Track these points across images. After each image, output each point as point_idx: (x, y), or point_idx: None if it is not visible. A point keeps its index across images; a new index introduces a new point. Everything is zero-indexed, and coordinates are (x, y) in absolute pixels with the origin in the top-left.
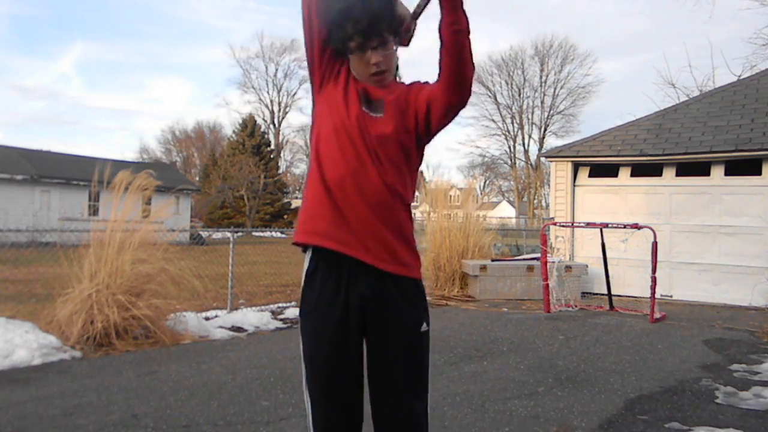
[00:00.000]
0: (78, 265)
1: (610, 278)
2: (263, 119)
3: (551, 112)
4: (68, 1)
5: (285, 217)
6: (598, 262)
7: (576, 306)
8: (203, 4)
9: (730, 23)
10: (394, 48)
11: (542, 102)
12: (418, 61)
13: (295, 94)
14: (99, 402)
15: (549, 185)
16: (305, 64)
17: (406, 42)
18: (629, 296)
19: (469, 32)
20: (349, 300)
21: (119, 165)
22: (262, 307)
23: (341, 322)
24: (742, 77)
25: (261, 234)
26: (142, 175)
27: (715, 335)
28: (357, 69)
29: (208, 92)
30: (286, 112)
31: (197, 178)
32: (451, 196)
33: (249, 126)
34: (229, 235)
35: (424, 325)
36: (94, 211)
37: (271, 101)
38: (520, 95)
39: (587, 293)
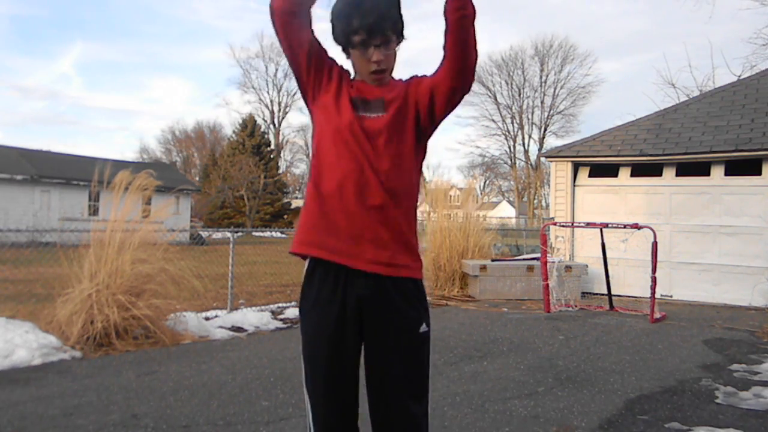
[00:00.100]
0: (78, 265)
1: (610, 278)
2: (263, 119)
3: (551, 112)
4: (68, 1)
5: (285, 217)
6: (598, 262)
7: (576, 306)
8: (203, 4)
9: (730, 23)
10: (396, 49)
11: (542, 102)
12: (418, 60)
13: (295, 94)
14: (99, 402)
15: (549, 185)
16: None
17: None
18: (629, 296)
19: (475, 18)
20: (347, 300)
21: (119, 165)
22: (262, 307)
23: (339, 321)
24: (742, 77)
25: (261, 234)
26: (142, 175)
27: (715, 335)
28: (357, 65)
29: (208, 92)
30: (286, 112)
31: (197, 178)
32: (451, 196)
33: (249, 126)
34: (229, 235)
35: (424, 325)
36: (94, 211)
37: (271, 101)
38: (520, 95)
39: (587, 293)
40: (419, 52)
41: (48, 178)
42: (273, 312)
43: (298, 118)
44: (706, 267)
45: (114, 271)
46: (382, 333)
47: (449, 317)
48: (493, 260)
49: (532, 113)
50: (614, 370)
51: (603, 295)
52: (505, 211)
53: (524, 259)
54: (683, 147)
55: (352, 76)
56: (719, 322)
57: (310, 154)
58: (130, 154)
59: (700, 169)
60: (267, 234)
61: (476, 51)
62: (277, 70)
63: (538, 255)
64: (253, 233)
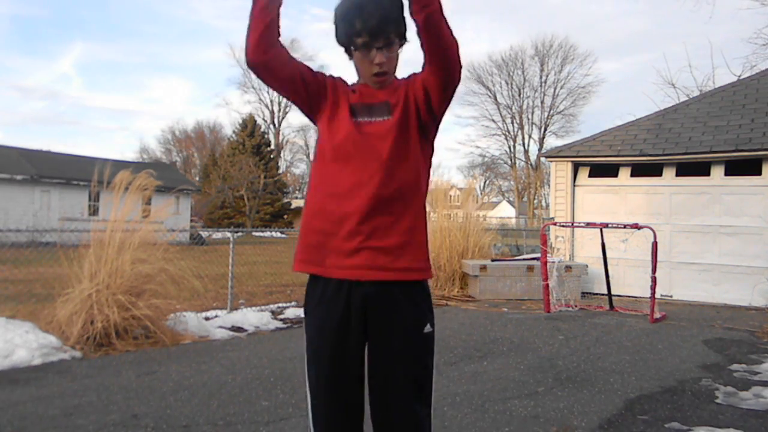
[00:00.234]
0: (78, 265)
1: (610, 278)
2: (263, 119)
3: (551, 112)
4: (68, 1)
5: (285, 217)
6: (598, 262)
7: (576, 306)
8: (203, 4)
9: (730, 23)
10: (398, 51)
11: (542, 102)
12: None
13: None
14: (99, 402)
15: (549, 185)
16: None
17: None
18: (629, 296)
19: (442, 9)
20: (351, 299)
21: (119, 165)
22: (262, 307)
23: (343, 319)
24: (742, 77)
25: (261, 234)
26: (142, 175)
27: (715, 335)
28: (359, 67)
29: (208, 92)
30: (286, 112)
31: (197, 178)
32: (451, 196)
33: (249, 126)
34: (229, 235)
35: (428, 326)
36: (94, 211)
37: (271, 101)
38: (520, 95)
39: (587, 293)
40: (419, 52)
41: (48, 178)
42: (273, 312)
43: (298, 118)
44: (706, 267)
45: (114, 271)
46: (387, 333)
47: (449, 317)
48: (493, 260)
49: (532, 113)
50: (614, 370)
51: (603, 295)
52: (505, 211)
53: (524, 259)
54: (683, 147)
55: (353, 81)
56: (719, 322)
57: (311, 164)
58: (130, 154)
59: (700, 169)
60: (267, 234)
61: (454, 40)
62: None
63: (538, 255)
64: (253, 233)
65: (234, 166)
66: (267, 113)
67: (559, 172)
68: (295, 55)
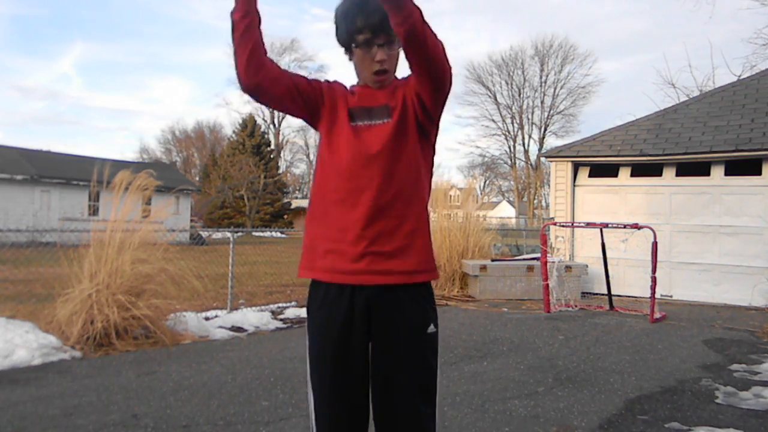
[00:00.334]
0: (78, 265)
1: (610, 278)
2: (263, 119)
3: (551, 112)
4: (68, 1)
5: (285, 217)
6: (598, 262)
7: (576, 306)
8: (203, 4)
9: (730, 23)
10: (398, 50)
11: (542, 102)
12: None
13: None
14: (99, 402)
15: (549, 185)
16: (303, 72)
17: None
18: (629, 296)
19: (422, 17)
20: (355, 299)
21: (119, 165)
22: (262, 307)
23: (347, 320)
24: (742, 77)
25: (261, 234)
26: (142, 175)
27: (715, 335)
28: (360, 66)
29: (208, 92)
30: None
31: (197, 178)
32: (451, 196)
33: (249, 126)
34: (229, 235)
35: (432, 326)
36: (94, 211)
37: None
38: (520, 95)
39: (587, 293)
40: None
41: (48, 178)
42: (273, 312)
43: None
44: (706, 267)
45: (114, 271)
46: (390, 333)
47: (449, 317)
48: (493, 260)
49: (532, 113)
50: (614, 370)
51: (603, 295)
52: (505, 211)
53: (524, 259)
54: (683, 147)
55: (352, 83)
56: (719, 322)
57: (312, 173)
58: (130, 154)
59: (700, 169)
60: (267, 234)
61: (439, 44)
62: None
63: (538, 255)
64: (253, 233)
65: (234, 166)
66: (267, 113)
67: (559, 172)
68: (295, 56)
